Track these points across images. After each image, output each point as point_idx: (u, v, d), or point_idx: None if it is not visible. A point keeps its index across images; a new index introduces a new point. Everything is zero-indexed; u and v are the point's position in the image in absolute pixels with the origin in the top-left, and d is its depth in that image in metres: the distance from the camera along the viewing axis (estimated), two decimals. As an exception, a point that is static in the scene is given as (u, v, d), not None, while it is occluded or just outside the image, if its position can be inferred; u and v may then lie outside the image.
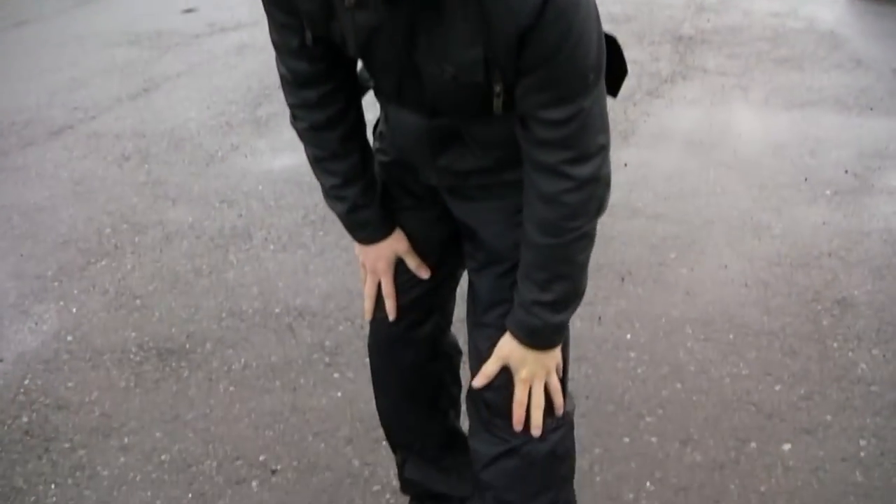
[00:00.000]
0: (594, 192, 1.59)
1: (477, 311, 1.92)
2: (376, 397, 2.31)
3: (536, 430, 1.83)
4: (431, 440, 2.31)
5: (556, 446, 1.91)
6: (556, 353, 1.82)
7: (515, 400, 1.80)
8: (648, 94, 6.02)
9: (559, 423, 1.90)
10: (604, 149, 1.58)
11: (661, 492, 2.63)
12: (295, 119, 1.85)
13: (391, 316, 2.05)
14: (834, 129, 5.37)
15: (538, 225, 1.62)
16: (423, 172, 1.86)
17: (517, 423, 1.82)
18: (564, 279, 1.66)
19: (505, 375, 1.83)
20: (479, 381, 1.83)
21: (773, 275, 3.79)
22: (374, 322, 2.15)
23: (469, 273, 1.96)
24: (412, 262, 1.98)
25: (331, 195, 1.92)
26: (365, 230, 1.95)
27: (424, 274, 2.00)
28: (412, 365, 2.15)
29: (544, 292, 1.66)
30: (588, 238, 1.64)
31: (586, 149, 1.55)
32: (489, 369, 1.81)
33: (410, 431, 2.31)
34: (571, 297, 1.70)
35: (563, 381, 1.90)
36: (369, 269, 2.02)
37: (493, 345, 1.83)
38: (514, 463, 1.90)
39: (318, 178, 1.92)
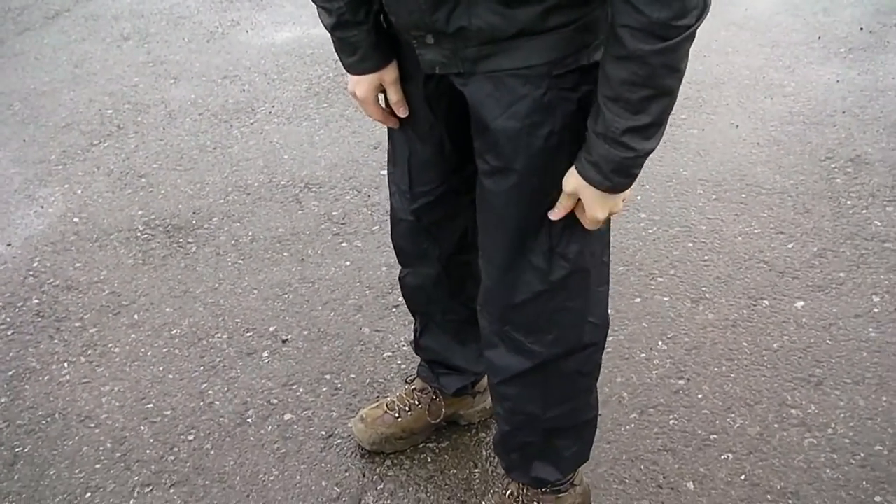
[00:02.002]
0: None
1: (484, 221, 1.74)
2: (401, 273, 2.17)
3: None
4: (454, 315, 2.18)
5: (583, 365, 1.85)
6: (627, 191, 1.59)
7: (587, 224, 1.62)
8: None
9: (593, 341, 1.82)
10: None
11: (674, 350, 2.62)
12: None
13: (397, 123, 1.85)
14: (849, -15, 5.24)
15: (641, 30, 1.34)
16: (421, 52, 1.59)
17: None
18: (665, 95, 1.42)
19: (529, 287, 1.71)
20: (557, 213, 1.61)
21: (785, 133, 3.72)
22: (394, 214, 2.02)
23: (479, 175, 1.70)
24: (394, 96, 1.77)
25: (318, 3, 1.68)
26: (353, 54, 1.72)
27: (403, 111, 1.79)
28: (440, 256, 2.02)
29: (640, 115, 1.42)
30: (692, 41, 1.38)
31: None
32: (565, 203, 1.60)
33: (432, 306, 2.18)
34: (666, 117, 1.46)
35: (604, 292, 1.81)
36: (350, 91, 1.82)
37: (499, 271, 1.72)
38: (537, 378, 1.83)
39: None
